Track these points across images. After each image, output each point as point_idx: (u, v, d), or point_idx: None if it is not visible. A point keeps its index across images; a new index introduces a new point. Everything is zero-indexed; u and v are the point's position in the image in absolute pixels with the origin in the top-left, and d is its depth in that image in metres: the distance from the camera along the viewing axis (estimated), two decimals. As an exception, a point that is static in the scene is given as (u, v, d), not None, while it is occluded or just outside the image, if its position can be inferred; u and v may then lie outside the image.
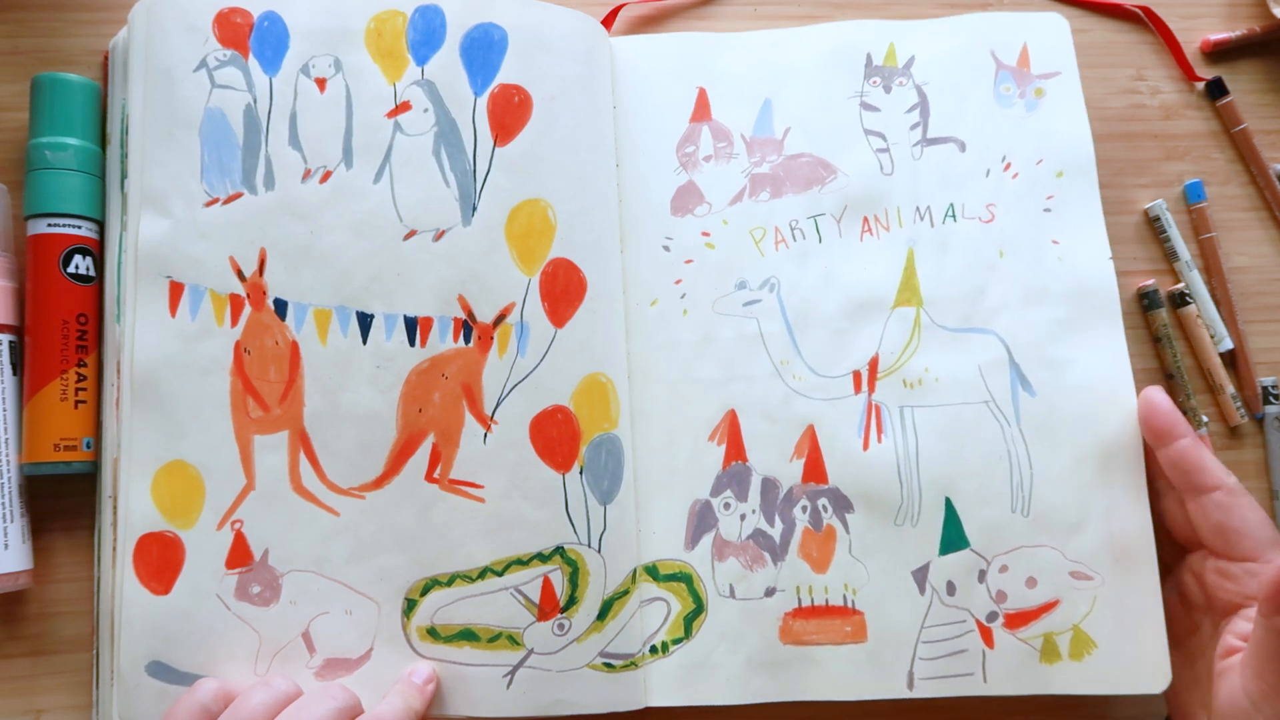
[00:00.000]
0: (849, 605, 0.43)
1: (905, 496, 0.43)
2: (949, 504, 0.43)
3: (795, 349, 0.45)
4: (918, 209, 0.46)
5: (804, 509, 0.44)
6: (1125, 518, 0.43)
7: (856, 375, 0.45)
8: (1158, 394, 0.43)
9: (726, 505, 0.44)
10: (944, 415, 0.44)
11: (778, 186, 0.47)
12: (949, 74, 0.47)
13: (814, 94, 0.47)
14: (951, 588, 0.43)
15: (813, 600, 0.43)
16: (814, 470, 0.44)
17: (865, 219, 0.46)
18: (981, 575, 0.43)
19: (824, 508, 0.44)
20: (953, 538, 0.43)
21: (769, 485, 0.44)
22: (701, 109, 0.47)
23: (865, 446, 0.44)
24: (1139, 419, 0.43)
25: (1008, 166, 0.47)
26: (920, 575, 0.43)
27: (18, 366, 0.42)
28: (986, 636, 0.42)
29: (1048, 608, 0.42)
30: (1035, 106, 0.47)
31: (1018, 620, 0.42)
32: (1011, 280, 0.45)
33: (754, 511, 0.44)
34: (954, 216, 0.46)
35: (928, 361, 0.44)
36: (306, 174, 0.43)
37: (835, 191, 0.46)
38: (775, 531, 0.44)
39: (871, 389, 0.44)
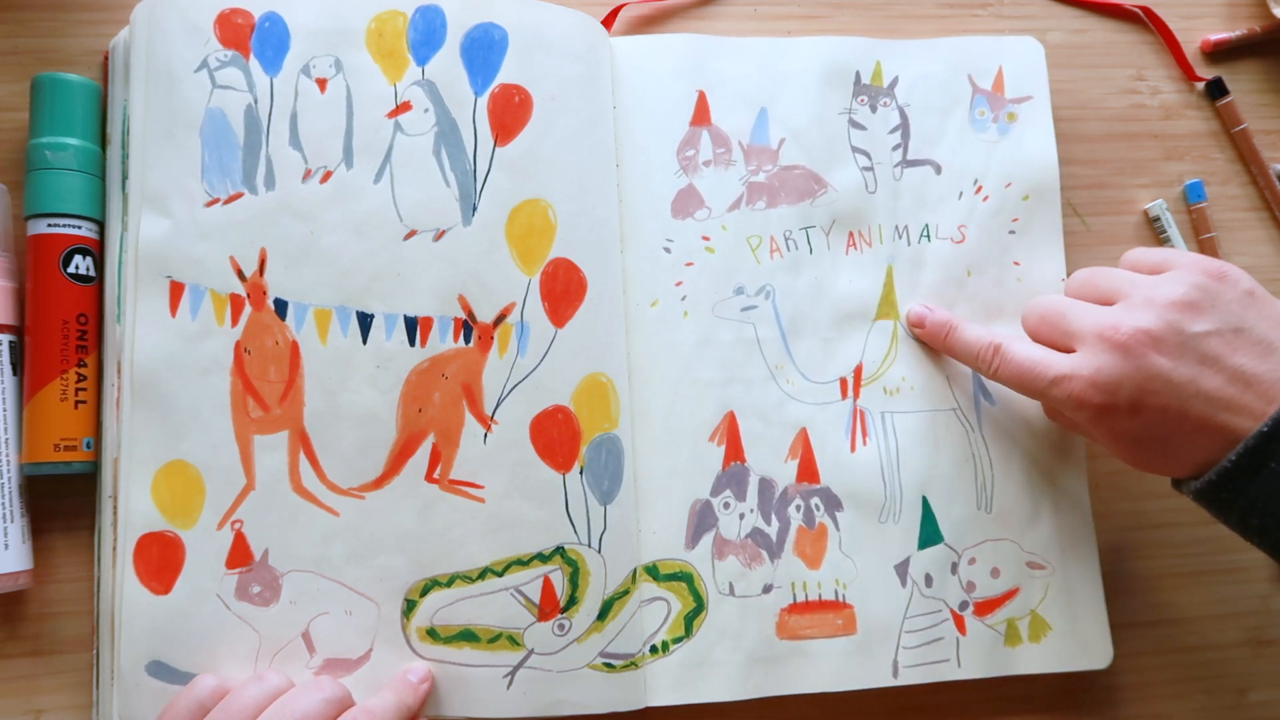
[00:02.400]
0: (840, 599, 0.45)
1: (888, 496, 0.46)
2: (925, 502, 0.46)
3: (789, 355, 0.46)
4: (896, 228, 0.48)
5: (798, 508, 0.45)
6: (1070, 512, 0.47)
7: (843, 382, 0.47)
8: (910, 317, 0.47)
9: (726, 505, 0.45)
10: (919, 421, 0.47)
11: (773, 196, 0.47)
12: (929, 96, 0.49)
13: (807, 107, 0.48)
14: (929, 580, 0.45)
15: (807, 595, 0.44)
16: (807, 471, 0.45)
17: (851, 234, 0.48)
18: (954, 567, 0.45)
19: (816, 506, 0.45)
20: (929, 533, 0.46)
21: (766, 485, 0.45)
22: (701, 113, 0.47)
23: (852, 449, 0.46)
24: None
25: (979, 189, 0.49)
26: (902, 569, 0.45)
27: (18, 366, 0.42)
28: (959, 624, 0.45)
29: (1009, 595, 0.46)
30: (1007, 131, 0.49)
31: (985, 608, 0.45)
32: (977, 299, 0.48)
33: (752, 511, 0.45)
34: (928, 237, 0.48)
35: (904, 371, 0.47)
36: (307, 174, 0.43)
37: (825, 205, 0.48)
38: (772, 530, 0.45)
39: (856, 395, 0.47)
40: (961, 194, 0.48)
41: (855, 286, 0.47)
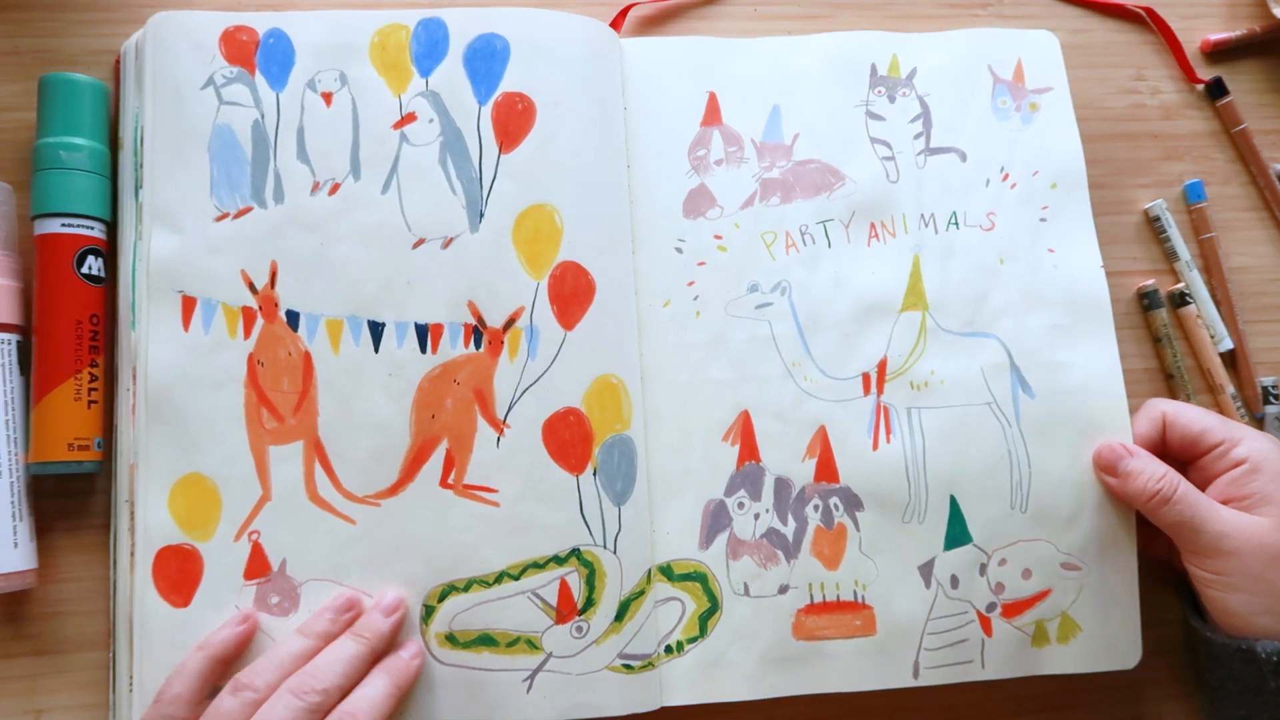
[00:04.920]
0: (859, 600, 0.44)
1: (913, 495, 0.45)
2: (954, 502, 0.45)
3: (806, 351, 0.46)
4: (922, 216, 0.47)
5: (816, 508, 0.45)
6: (1112, 511, 0.45)
7: (866, 377, 0.46)
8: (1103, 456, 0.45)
9: (740, 505, 0.44)
10: (949, 416, 0.45)
11: (788, 192, 0.47)
12: (949, 86, 0.49)
13: (821, 102, 0.48)
14: (955, 581, 0.44)
15: (824, 596, 0.44)
16: (826, 470, 0.45)
17: (872, 225, 0.47)
18: (982, 569, 0.44)
19: (835, 506, 0.45)
20: (956, 534, 0.44)
21: (782, 485, 0.45)
22: (712, 113, 0.47)
23: (875, 447, 0.45)
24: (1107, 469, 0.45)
25: (1006, 177, 0.48)
26: (926, 570, 0.44)
27: (24, 366, 0.42)
28: (986, 626, 0.44)
29: (1040, 597, 0.44)
30: (1030, 120, 0.49)
31: (1014, 610, 0.44)
32: (1011, 286, 0.47)
33: (767, 511, 0.44)
34: (956, 224, 0.47)
35: (933, 364, 0.46)
36: (315, 186, 0.43)
37: (843, 198, 0.47)
38: (788, 530, 0.44)
39: (880, 391, 0.45)
40: (989, 181, 0.48)
41: (878, 278, 0.46)
